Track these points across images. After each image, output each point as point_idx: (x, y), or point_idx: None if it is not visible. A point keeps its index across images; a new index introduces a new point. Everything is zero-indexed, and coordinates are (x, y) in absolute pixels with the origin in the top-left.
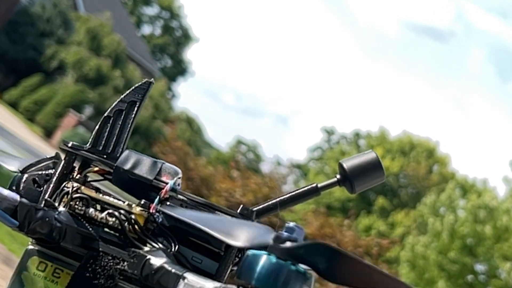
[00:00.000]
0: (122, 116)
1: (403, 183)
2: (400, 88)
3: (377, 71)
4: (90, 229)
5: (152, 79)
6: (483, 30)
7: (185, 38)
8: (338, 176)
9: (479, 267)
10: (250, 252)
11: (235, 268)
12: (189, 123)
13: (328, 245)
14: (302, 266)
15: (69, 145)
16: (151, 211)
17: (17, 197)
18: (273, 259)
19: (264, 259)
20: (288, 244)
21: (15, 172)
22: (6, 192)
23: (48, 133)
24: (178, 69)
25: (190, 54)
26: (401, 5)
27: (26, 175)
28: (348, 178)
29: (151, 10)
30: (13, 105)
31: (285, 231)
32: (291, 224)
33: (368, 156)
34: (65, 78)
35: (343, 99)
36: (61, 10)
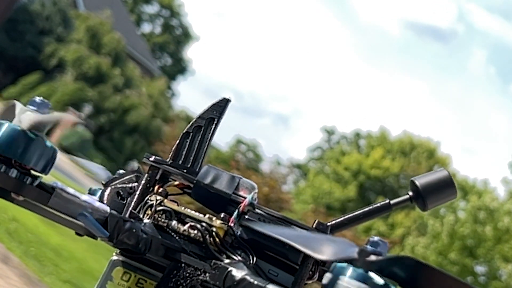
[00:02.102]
0: (201, 132)
1: (404, 184)
2: (400, 88)
3: (377, 71)
4: (173, 241)
5: (229, 97)
6: (484, 30)
7: (185, 36)
8: (410, 193)
9: (479, 269)
10: (336, 265)
11: (309, 281)
12: (188, 122)
13: (415, 259)
14: (387, 279)
15: (152, 159)
16: (230, 224)
17: (107, 208)
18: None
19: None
20: (373, 257)
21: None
22: (98, 204)
23: (47, 131)
24: (178, 68)
25: (190, 52)
26: (403, 5)
27: (109, 188)
28: (420, 195)
29: (151, 8)
30: None
31: (369, 245)
32: (376, 238)
33: (440, 174)
34: (65, 76)
35: (343, 99)
36: (61, 8)
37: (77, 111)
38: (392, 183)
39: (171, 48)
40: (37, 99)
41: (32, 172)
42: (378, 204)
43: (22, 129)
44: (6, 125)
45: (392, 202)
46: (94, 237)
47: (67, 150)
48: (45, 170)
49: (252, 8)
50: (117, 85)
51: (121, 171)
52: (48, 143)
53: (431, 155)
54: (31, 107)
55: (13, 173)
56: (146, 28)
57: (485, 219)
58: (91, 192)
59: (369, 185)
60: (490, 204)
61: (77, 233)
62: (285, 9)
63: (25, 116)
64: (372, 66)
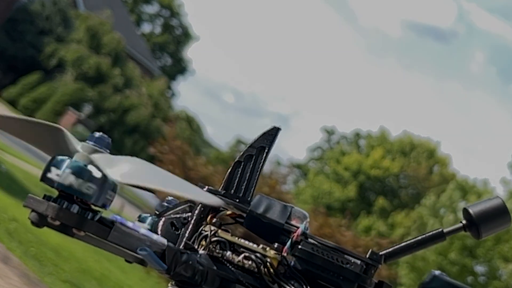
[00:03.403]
0: (252, 161)
1: (404, 184)
2: (401, 88)
3: (377, 71)
4: (228, 271)
5: (279, 125)
6: (485, 31)
7: (185, 36)
8: (463, 222)
9: (479, 269)
10: None
11: None
12: (188, 122)
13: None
14: None
15: (205, 189)
16: (283, 254)
17: (165, 241)
18: None
19: None
20: None
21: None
22: (155, 237)
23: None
24: (178, 68)
25: (190, 52)
26: (403, 5)
27: (163, 218)
28: (474, 223)
29: (151, 8)
30: (12, 103)
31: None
32: (437, 272)
33: (494, 202)
34: (65, 76)
35: (343, 99)
36: (61, 8)
37: (77, 111)
38: (392, 183)
39: (171, 48)
40: (96, 134)
41: (93, 206)
42: (431, 233)
43: (83, 165)
44: (67, 162)
45: (445, 230)
46: (144, 264)
47: None
48: (105, 205)
49: (253, 9)
50: (117, 85)
51: (170, 198)
52: (109, 178)
53: (431, 155)
54: (90, 142)
55: (75, 209)
56: (146, 28)
57: None
58: (141, 219)
59: (369, 185)
60: None
61: (126, 260)
62: (286, 10)
63: (113, 168)
64: (372, 66)
